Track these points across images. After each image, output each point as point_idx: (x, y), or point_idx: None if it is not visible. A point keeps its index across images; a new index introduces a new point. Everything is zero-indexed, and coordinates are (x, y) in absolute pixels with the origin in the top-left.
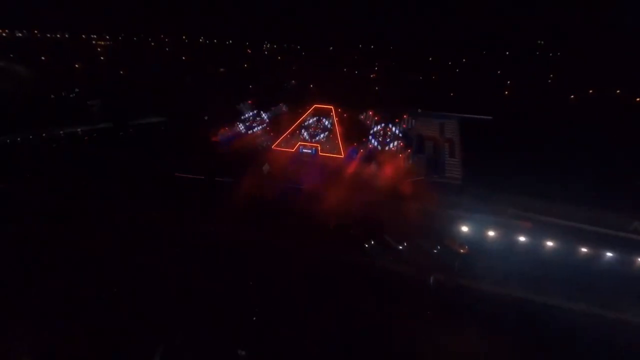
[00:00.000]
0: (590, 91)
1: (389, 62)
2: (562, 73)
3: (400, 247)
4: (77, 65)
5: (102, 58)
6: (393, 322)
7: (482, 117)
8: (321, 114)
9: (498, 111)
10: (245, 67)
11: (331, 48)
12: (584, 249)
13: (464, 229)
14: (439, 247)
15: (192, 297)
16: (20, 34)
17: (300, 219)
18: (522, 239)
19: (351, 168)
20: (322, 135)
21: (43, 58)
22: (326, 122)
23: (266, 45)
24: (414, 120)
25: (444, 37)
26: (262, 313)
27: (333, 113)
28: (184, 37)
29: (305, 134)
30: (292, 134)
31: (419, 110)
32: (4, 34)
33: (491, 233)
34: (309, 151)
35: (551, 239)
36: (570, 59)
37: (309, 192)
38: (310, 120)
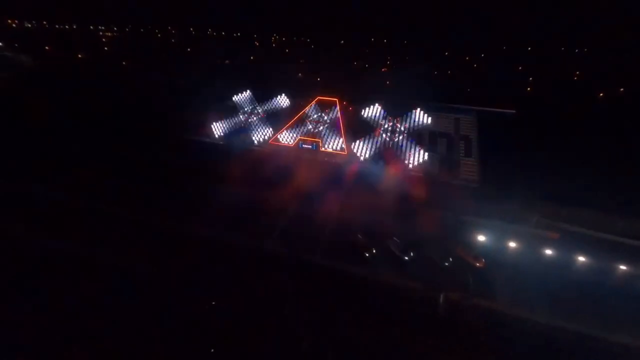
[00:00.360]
0: (622, 89)
1: (400, 54)
2: (594, 67)
3: (406, 258)
4: (79, 56)
5: (106, 49)
6: (394, 347)
7: (504, 111)
8: (324, 106)
9: (521, 105)
10: (251, 60)
11: (342, 42)
12: (623, 267)
13: (481, 238)
14: (450, 259)
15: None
16: (29, 25)
17: (296, 220)
18: (548, 252)
19: (354, 166)
20: (324, 130)
21: (47, 48)
22: (329, 116)
23: (275, 37)
24: (425, 115)
25: (460, 28)
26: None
27: (338, 106)
28: (191, 29)
29: (306, 128)
30: (292, 127)
31: (429, 104)
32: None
33: (512, 244)
34: (310, 147)
35: (583, 253)
36: (603, 53)
37: (306, 192)
38: (313, 114)
